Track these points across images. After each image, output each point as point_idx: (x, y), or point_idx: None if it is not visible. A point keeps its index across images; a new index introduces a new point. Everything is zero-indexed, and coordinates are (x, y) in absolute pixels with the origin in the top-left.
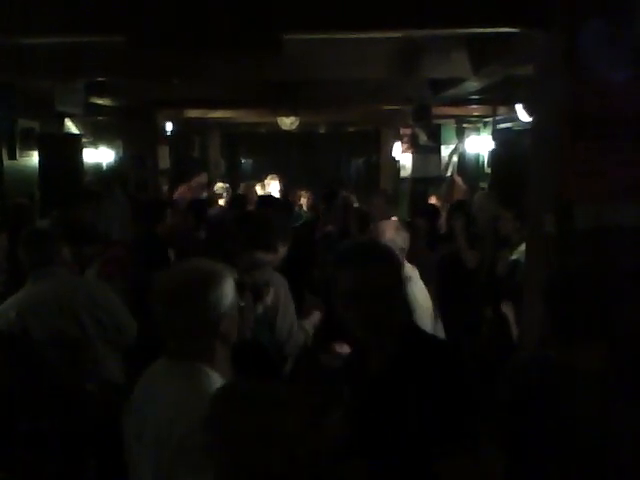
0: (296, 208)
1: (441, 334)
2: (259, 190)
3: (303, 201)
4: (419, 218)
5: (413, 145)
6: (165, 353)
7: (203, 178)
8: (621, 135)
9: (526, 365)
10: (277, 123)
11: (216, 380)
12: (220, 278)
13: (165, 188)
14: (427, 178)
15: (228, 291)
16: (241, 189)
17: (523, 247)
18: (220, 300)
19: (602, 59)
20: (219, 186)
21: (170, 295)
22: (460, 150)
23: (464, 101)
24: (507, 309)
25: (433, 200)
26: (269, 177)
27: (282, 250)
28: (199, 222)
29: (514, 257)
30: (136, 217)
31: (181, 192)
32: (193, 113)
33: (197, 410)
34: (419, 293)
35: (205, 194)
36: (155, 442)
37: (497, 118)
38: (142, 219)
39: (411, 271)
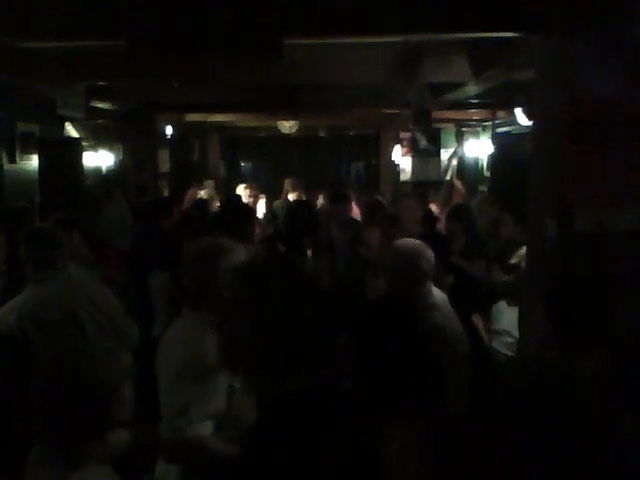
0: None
1: None
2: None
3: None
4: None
5: (413, 149)
6: (185, 304)
7: (210, 185)
8: (621, 139)
9: (526, 368)
10: (277, 127)
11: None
12: (230, 251)
13: (165, 192)
14: (427, 182)
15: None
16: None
17: (523, 251)
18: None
19: (601, 64)
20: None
21: (193, 260)
22: (459, 154)
23: (464, 105)
24: (477, 319)
25: (432, 207)
26: (286, 182)
27: None
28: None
29: (514, 261)
30: (144, 212)
31: (191, 196)
32: (193, 117)
33: (195, 344)
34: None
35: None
36: (164, 367)
37: (496, 122)
38: (150, 214)
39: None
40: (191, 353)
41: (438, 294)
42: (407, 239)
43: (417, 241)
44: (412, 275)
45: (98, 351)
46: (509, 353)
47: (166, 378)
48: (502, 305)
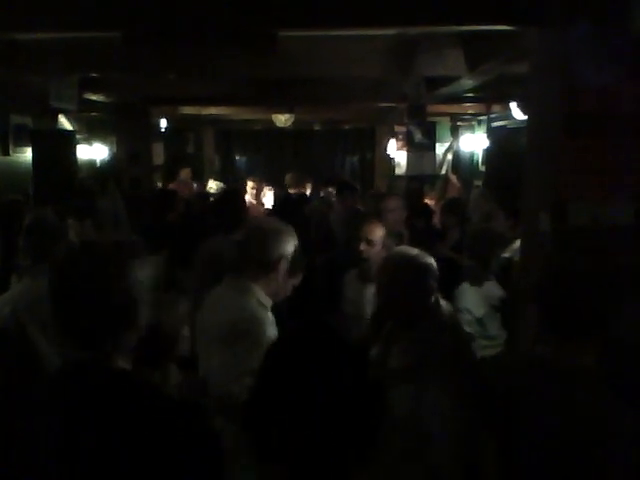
0: None
1: None
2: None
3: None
4: (415, 218)
5: (408, 143)
6: (234, 271)
7: (186, 173)
8: (616, 133)
9: (519, 363)
10: (272, 120)
11: (260, 295)
12: (283, 234)
13: (159, 184)
14: (422, 176)
15: (285, 245)
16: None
17: (516, 245)
18: (277, 248)
19: (597, 57)
20: (213, 184)
21: (248, 236)
22: (455, 148)
23: (459, 99)
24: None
25: (428, 200)
26: (287, 176)
27: None
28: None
29: (507, 255)
30: (149, 206)
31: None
32: (187, 110)
33: (241, 311)
34: None
35: (195, 187)
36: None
37: (491, 116)
38: (154, 207)
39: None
40: (240, 317)
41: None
42: (404, 248)
43: (416, 251)
44: (424, 289)
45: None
46: (468, 329)
47: (214, 342)
48: (465, 285)
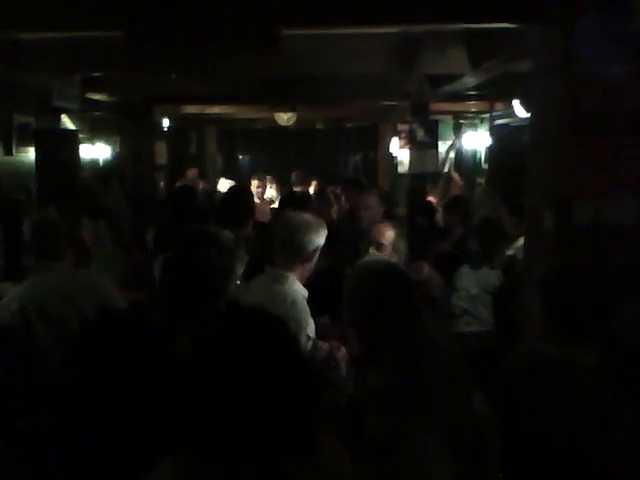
0: None
1: None
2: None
3: None
4: (418, 216)
5: (410, 141)
6: (269, 263)
7: (193, 173)
8: (619, 131)
9: (523, 360)
10: (274, 119)
11: (294, 282)
12: (317, 227)
13: (162, 184)
14: (424, 174)
15: (320, 236)
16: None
17: (520, 243)
18: (313, 239)
19: (600, 54)
20: (225, 182)
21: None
22: (457, 146)
23: (461, 97)
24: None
25: (430, 198)
26: (293, 175)
27: None
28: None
29: (510, 253)
30: (166, 204)
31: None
32: (190, 109)
33: (277, 298)
34: None
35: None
36: None
37: (494, 114)
38: (173, 205)
39: None
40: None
41: None
42: (373, 260)
43: (386, 263)
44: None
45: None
46: (464, 306)
47: None
48: (464, 268)
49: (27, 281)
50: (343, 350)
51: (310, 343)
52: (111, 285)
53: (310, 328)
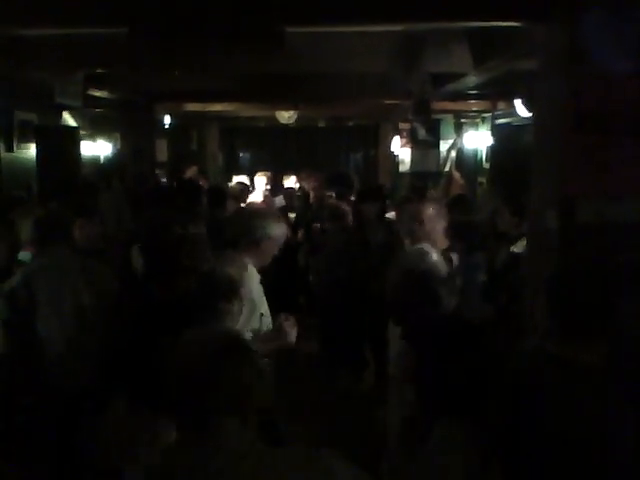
0: None
1: None
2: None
3: None
4: None
5: (412, 140)
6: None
7: (192, 171)
8: (623, 130)
9: (526, 359)
10: (276, 117)
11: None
12: (268, 217)
13: (163, 181)
14: (425, 173)
15: (279, 230)
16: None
17: (523, 242)
18: (264, 228)
19: (604, 53)
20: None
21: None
22: (458, 145)
23: (463, 96)
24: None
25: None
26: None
27: None
28: None
29: (515, 250)
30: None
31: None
32: (191, 106)
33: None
34: None
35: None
36: None
37: (496, 113)
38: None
39: None
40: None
41: None
42: None
43: None
44: None
45: None
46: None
47: None
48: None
49: (31, 262)
50: (292, 319)
51: (264, 319)
52: (108, 274)
53: (264, 307)
